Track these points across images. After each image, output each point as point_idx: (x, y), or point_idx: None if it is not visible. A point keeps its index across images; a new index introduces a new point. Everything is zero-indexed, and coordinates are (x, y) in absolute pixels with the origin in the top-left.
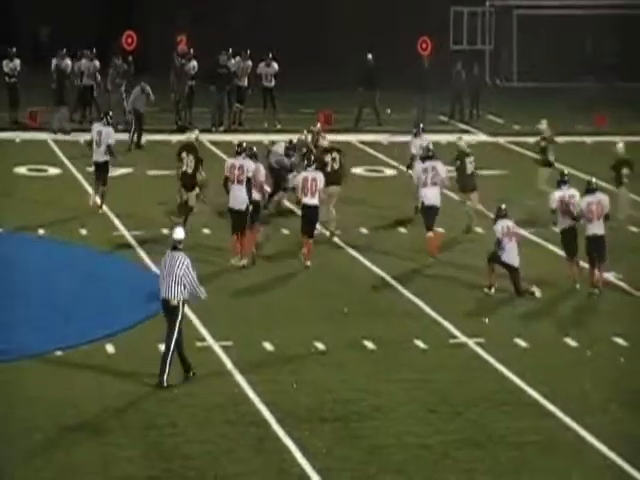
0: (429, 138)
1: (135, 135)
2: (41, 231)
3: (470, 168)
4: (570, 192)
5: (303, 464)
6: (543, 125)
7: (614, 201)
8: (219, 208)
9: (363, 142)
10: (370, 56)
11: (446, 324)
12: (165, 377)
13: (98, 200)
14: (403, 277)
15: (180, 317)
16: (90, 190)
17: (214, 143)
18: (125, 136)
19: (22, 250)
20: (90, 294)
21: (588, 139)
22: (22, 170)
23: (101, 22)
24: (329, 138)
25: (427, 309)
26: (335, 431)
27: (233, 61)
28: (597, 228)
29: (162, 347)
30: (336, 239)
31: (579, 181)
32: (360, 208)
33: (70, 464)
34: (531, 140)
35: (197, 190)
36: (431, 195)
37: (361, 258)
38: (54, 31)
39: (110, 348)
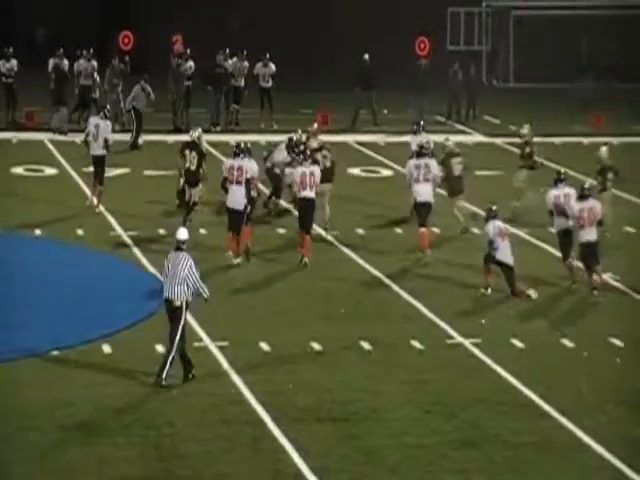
0: (430, 136)
1: (134, 134)
2: (38, 231)
3: (458, 169)
4: (565, 191)
5: (299, 464)
6: (525, 130)
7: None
8: (216, 207)
9: (360, 143)
10: (367, 56)
11: (442, 324)
12: (164, 376)
13: (95, 200)
14: (400, 277)
15: (183, 318)
16: (88, 192)
17: (210, 143)
18: (121, 137)
19: (19, 250)
20: (87, 294)
21: (585, 140)
22: (19, 170)
23: (98, 22)
24: (325, 139)
25: (424, 309)
26: (331, 431)
27: (230, 61)
28: (590, 235)
29: (159, 347)
30: (330, 237)
31: (576, 181)
32: (357, 208)
33: (66, 464)
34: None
35: (201, 187)
36: (423, 191)
37: (357, 258)
38: (51, 31)
39: (107, 348)
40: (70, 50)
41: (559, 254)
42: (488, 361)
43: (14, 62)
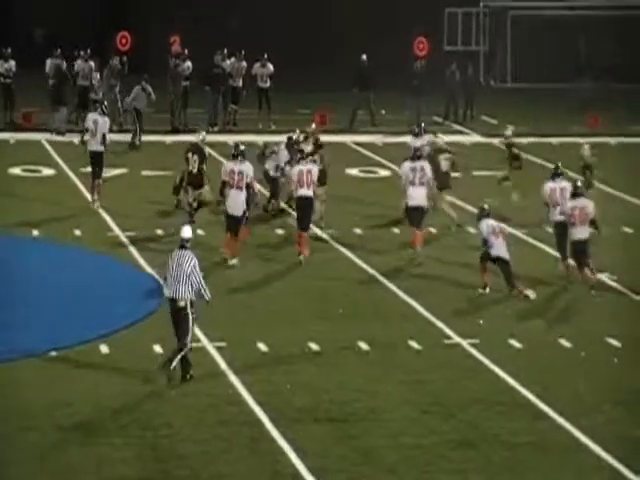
0: (432, 138)
1: (135, 134)
2: (35, 232)
3: (445, 165)
4: (562, 184)
5: (297, 464)
6: (509, 131)
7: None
8: (213, 208)
9: (358, 143)
10: (364, 57)
11: (440, 325)
12: (174, 363)
13: (95, 196)
14: (397, 277)
15: (191, 317)
16: (86, 193)
17: (208, 144)
18: (118, 137)
19: (16, 251)
20: (84, 294)
21: (582, 140)
22: (16, 171)
23: (97, 23)
24: (323, 139)
25: (421, 309)
26: (329, 432)
27: (228, 62)
28: (580, 233)
29: (157, 347)
30: (325, 235)
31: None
32: (354, 209)
33: (65, 464)
34: (524, 141)
35: (207, 188)
36: (417, 195)
37: (355, 259)
38: (49, 32)
39: (105, 348)
40: (68, 50)
41: (557, 254)
42: (486, 361)
43: (12, 62)
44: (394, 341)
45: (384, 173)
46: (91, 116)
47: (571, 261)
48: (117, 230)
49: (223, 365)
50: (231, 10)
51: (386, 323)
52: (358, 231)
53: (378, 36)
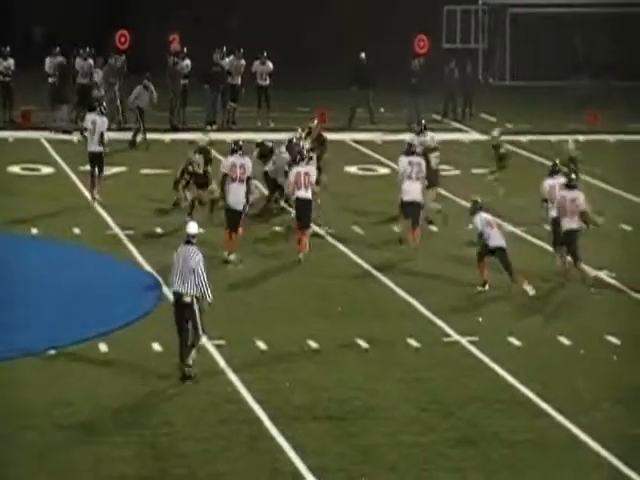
0: (434, 135)
1: (136, 133)
2: (34, 230)
3: (435, 163)
4: (560, 181)
5: (296, 463)
6: (496, 132)
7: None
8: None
9: (357, 141)
10: (363, 55)
11: (439, 322)
12: (191, 363)
13: (96, 194)
14: (396, 275)
15: (198, 313)
16: (85, 192)
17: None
18: (117, 135)
19: (15, 249)
20: (83, 293)
21: (581, 137)
22: (15, 169)
23: (96, 21)
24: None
25: (420, 307)
26: (328, 430)
27: (227, 60)
28: (571, 223)
29: (156, 345)
30: (322, 232)
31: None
32: (354, 206)
33: (65, 463)
34: (523, 139)
35: (214, 186)
36: (412, 190)
37: (353, 255)
38: (48, 30)
39: (104, 347)
40: (67, 49)
41: (555, 251)
42: (485, 359)
43: (11, 61)
44: (393, 339)
45: (383, 171)
46: (89, 117)
47: (568, 258)
48: (116, 228)
49: (222, 363)
50: (231, 10)
51: (385, 321)
52: (357, 228)
53: (377, 34)
